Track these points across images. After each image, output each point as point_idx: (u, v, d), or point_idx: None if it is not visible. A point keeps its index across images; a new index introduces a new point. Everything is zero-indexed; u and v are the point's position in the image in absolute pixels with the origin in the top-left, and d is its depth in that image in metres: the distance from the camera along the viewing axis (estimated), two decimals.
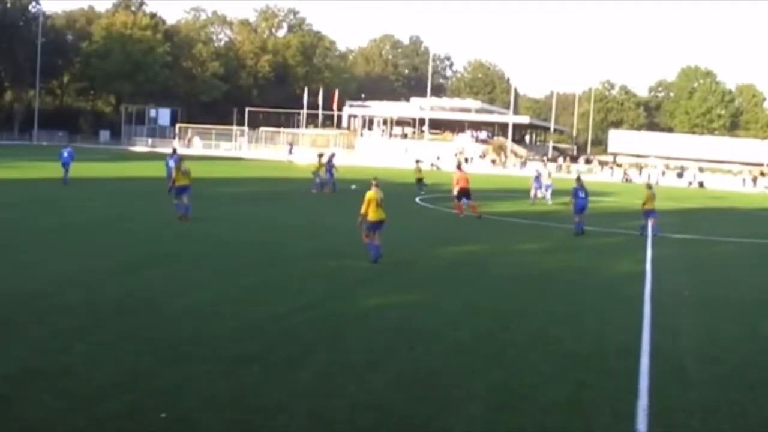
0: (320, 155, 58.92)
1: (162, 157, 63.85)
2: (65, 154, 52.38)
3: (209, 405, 12.48)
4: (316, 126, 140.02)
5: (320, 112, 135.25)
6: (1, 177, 56.08)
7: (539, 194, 57.22)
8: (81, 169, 58.87)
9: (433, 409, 12.92)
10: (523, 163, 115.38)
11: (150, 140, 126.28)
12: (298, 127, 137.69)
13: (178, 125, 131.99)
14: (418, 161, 65.48)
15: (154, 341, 15.81)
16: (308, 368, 14.55)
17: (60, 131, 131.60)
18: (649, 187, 40.18)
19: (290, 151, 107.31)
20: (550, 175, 60.74)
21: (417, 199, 52.38)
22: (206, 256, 26.45)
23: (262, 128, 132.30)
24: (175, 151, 51.86)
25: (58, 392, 12.70)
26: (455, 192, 44.73)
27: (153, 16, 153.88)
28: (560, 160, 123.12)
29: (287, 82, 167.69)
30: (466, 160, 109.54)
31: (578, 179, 39.46)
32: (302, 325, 17.72)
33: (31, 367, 13.86)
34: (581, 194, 37.79)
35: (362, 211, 26.28)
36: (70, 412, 11.92)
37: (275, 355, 15.28)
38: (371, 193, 26.34)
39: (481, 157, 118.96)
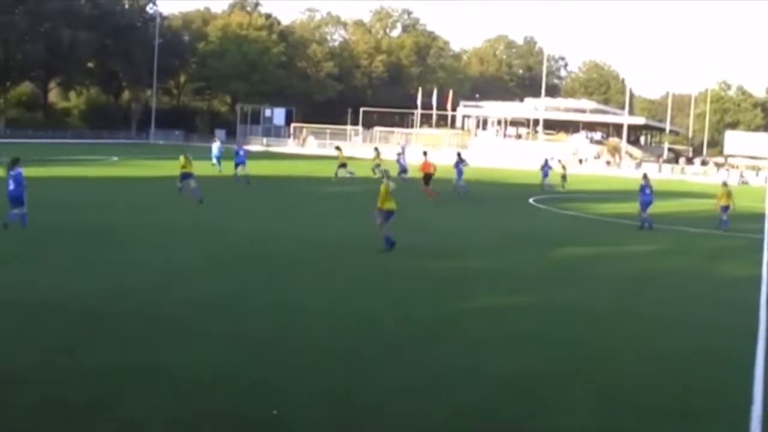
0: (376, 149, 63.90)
1: (277, 156, 64.48)
2: (241, 153, 53.87)
3: (315, 401, 12.50)
4: (430, 126, 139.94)
5: (434, 112, 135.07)
6: (125, 175, 56.84)
7: None
8: (200, 168, 59.38)
9: (536, 413, 12.76)
10: (638, 165, 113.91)
11: (265, 139, 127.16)
12: (412, 127, 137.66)
13: (293, 125, 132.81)
14: (338, 147, 68.41)
15: (247, 340, 15.77)
16: (406, 369, 14.40)
17: (176, 130, 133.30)
18: (724, 185, 42.11)
19: (402, 152, 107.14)
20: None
21: (531, 200, 51.86)
22: (304, 256, 26.35)
23: (377, 128, 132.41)
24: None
25: (158, 389, 12.76)
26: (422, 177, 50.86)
27: (268, 16, 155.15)
28: (681, 161, 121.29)
29: (401, 82, 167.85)
30: (581, 161, 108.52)
31: (645, 176, 39.78)
32: (401, 325, 17.57)
33: (133, 363, 13.92)
34: (647, 191, 38.43)
35: (379, 203, 27.50)
36: (171, 408, 11.97)
37: (373, 356, 15.14)
38: (384, 186, 27.54)
39: (595, 158, 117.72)
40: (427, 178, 51.26)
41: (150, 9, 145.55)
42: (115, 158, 76.62)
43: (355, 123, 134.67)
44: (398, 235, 28.58)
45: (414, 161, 64.05)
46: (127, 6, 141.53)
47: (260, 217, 36.73)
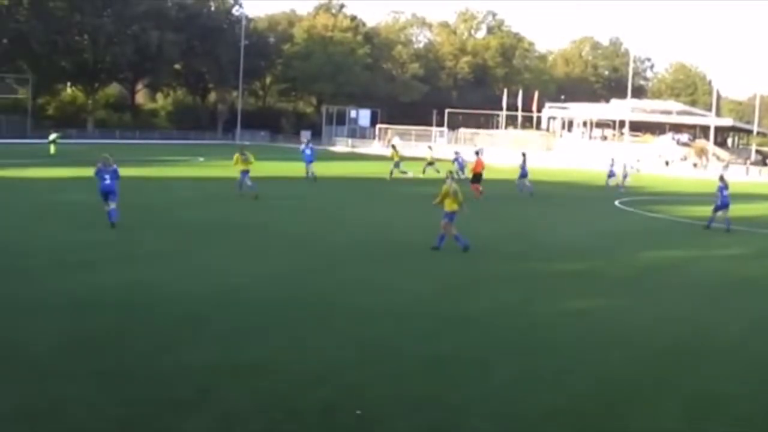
0: (393, 146, 65.20)
1: (362, 157, 64.72)
2: (308, 152, 55.26)
3: (402, 404, 12.62)
4: (515, 127, 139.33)
5: (519, 113, 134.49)
6: (211, 176, 57.27)
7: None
8: (284, 169, 59.76)
9: (626, 417, 12.77)
10: (726, 166, 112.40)
11: (350, 141, 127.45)
12: (497, 128, 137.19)
13: (378, 126, 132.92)
14: (393, 146, 68.53)
15: (349, 338, 15.87)
16: (502, 371, 14.45)
17: (262, 131, 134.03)
18: None
19: (479, 153, 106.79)
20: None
21: (616, 203, 51.34)
22: (399, 256, 26.32)
23: (462, 129, 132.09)
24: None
25: (257, 385, 13.00)
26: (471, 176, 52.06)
27: (353, 18, 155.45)
28: None
29: (486, 83, 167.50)
30: (667, 163, 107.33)
31: (721, 178, 39.34)
32: (496, 327, 17.57)
33: (232, 361, 14.16)
34: (725, 192, 38.09)
35: (436, 201, 27.96)
36: (268, 405, 12.20)
37: (468, 356, 15.15)
38: (446, 187, 27.73)
39: (682, 159, 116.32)
40: (477, 176, 52.03)
41: (236, 11, 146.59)
42: (201, 159, 77.27)
43: (440, 124, 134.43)
44: (485, 237, 28.46)
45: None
46: (213, 8, 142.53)
47: (350, 216, 36.78)
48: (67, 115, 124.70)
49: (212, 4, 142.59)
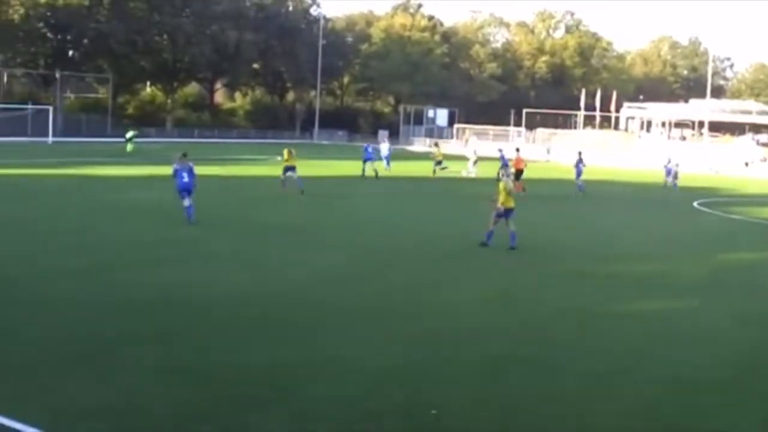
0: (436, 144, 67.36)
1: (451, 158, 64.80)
2: (369, 150, 57.13)
3: (478, 404, 12.64)
4: (593, 128, 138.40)
5: (597, 113, 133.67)
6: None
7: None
8: (359, 168, 59.94)
9: (700, 420, 12.67)
10: None
11: (428, 140, 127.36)
12: (575, 128, 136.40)
13: (455, 126, 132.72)
14: (436, 144, 69.93)
15: (424, 337, 15.89)
16: (572, 372, 14.43)
17: (340, 131, 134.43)
18: None
19: (518, 150, 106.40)
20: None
21: (695, 203, 50.81)
22: (472, 256, 26.25)
23: (539, 129, 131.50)
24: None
25: (333, 384, 13.07)
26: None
27: (431, 18, 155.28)
28: None
29: (564, 83, 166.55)
30: (746, 164, 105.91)
31: None
32: (567, 328, 17.57)
33: (307, 359, 14.23)
34: None
35: (500, 201, 27.74)
36: (345, 405, 12.26)
37: (541, 357, 15.15)
38: (502, 184, 28.26)
39: (762, 160, 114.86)
40: (518, 173, 52.91)
41: (314, 11, 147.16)
42: (279, 158, 77.36)
43: (517, 124, 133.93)
44: (561, 236, 28.30)
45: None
46: (291, 8, 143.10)
47: (417, 215, 36.81)
48: (146, 114, 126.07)
49: (290, 4, 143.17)
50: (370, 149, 57.83)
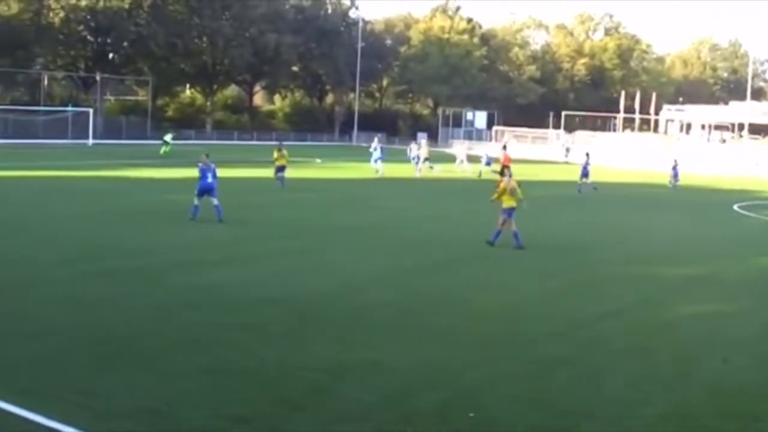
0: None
1: (478, 159, 64.78)
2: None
3: (516, 406, 12.60)
4: (632, 130, 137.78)
5: (637, 116, 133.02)
6: (328, 177, 57.68)
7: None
8: (394, 170, 59.97)
9: (743, 423, 12.58)
10: None
11: (467, 143, 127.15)
12: (614, 131, 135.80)
13: (494, 128, 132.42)
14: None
15: (463, 340, 15.86)
16: (617, 375, 14.39)
17: (379, 133, 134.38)
18: None
19: (566, 154, 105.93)
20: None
21: (735, 207, 50.47)
22: (515, 257, 26.25)
23: (578, 132, 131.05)
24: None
25: (369, 386, 13.02)
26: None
27: (470, 20, 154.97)
28: None
29: (603, 85, 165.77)
30: None
31: None
32: (613, 330, 17.51)
33: (344, 361, 14.23)
34: None
35: (494, 197, 28.42)
36: (381, 407, 12.22)
37: (583, 360, 15.13)
38: (504, 183, 28.41)
39: None
40: (504, 169, 52.69)
41: (352, 13, 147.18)
42: (319, 160, 77.77)
43: (556, 127, 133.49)
44: (603, 239, 28.25)
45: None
46: (330, 11, 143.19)
47: (463, 215, 36.76)
48: (185, 116, 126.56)
49: (329, 6, 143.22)
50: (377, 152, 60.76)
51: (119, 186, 43.37)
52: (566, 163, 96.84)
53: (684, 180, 65.16)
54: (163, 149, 77.98)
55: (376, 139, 66.96)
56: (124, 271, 21.50)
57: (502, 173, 52.34)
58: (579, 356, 15.36)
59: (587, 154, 58.35)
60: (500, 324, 17.40)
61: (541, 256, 26.61)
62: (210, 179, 31.46)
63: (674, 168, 65.95)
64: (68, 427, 10.92)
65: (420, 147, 67.55)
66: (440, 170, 64.94)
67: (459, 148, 79.58)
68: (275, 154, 47.41)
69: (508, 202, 27.91)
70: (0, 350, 14.25)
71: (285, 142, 59.07)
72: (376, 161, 63.96)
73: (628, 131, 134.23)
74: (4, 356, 13.92)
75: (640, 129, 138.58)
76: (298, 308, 18.03)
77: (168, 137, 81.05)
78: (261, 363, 14.06)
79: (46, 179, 48.68)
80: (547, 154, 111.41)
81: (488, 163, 65.34)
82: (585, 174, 55.88)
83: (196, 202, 31.53)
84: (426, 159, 64.59)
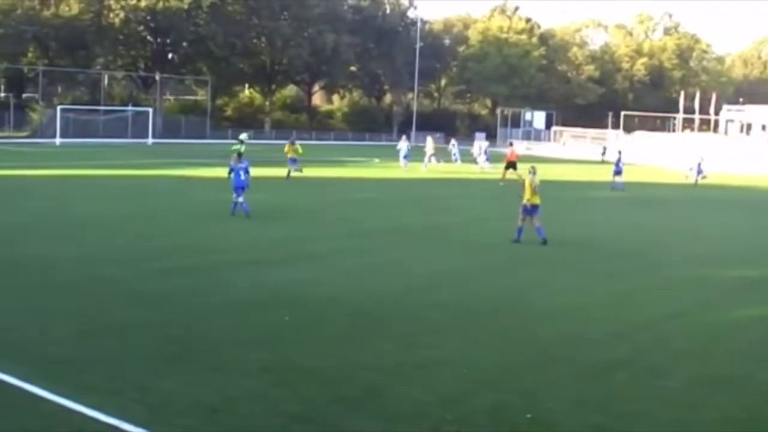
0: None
1: (537, 159, 64.67)
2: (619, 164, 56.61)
3: (574, 408, 12.55)
4: (691, 130, 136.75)
5: (696, 116, 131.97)
6: (386, 177, 57.71)
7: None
8: (453, 170, 59.90)
9: None
10: None
11: (526, 143, 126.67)
12: (673, 131, 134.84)
13: (553, 128, 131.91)
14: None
15: (522, 341, 15.79)
16: (676, 377, 14.32)
17: (437, 133, 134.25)
18: None
19: (603, 153, 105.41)
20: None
21: None
22: (574, 259, 26.13)
23: (637, 132, 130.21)
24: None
25: (427, 386, 13.03)
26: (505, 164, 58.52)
27: (528, 20, 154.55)
28: None
29: (663, 85, 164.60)
30: None
31: None
32: (672, 332, 17.37)
33: (402, 361, 14.22)
34: None
35: (525, 196, 28.22)
36: (438, 406, 12.24)
37: (643, 362, 15.08)
38: (528, 181, 28.48)
39: None
40: (510, 164, 58.20)
41: (411, 14, 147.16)
42: (377, 160, 77.79)
43: (615, 127, 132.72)
44: (661, 240, 28.07)
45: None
46: (388, 11, 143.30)
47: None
48: (244, 116, 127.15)
49: (387, 6, 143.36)
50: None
51: (180, 185, 43.59)
52: (602, 162, 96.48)
53: (742, 181, 64.57)
54: (234, 147, 78.42)
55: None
56: (186, 270, 21.66)
57: (509, 167, 55.91)
58: (639, 358, 15.26)
59: (619, 152, 58.88)
60: (560, 325, 17.32)
61: (601, 259, 26.47)
62: (242, 176, 32.30)
63: (699, 165, 65.96)
64: (125, 423, 11.03)
65: (427, 143, 70.43)
66: (442, 164, 67.57)
67: (477, 144, 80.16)
68: (286, 148, 50.89)
69: (533, 200, 28.24)
70: (63, 348, 14.37)
71: (343, 142, 59.70)
72: (405, 157, 66.31)
73: (687, 131, 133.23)
74: (68, 354, 14.05)
75: (700, 129, 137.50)
76: (360, 307, 18.08)
77: (243, 136, 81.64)
78: (321, 361, 14.09)
79: (106, 178, 49.11)
80: (605, 154, 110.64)
81: (488, 159, 68.33)
82: (618, 172, 56.05)
83: (235, 199, 32.28)
84: (432, 155, 67.40)
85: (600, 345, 15.96)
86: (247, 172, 32.59)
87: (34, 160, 61.08)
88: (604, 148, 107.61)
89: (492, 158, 68.30)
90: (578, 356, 15.13)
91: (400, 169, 64.01)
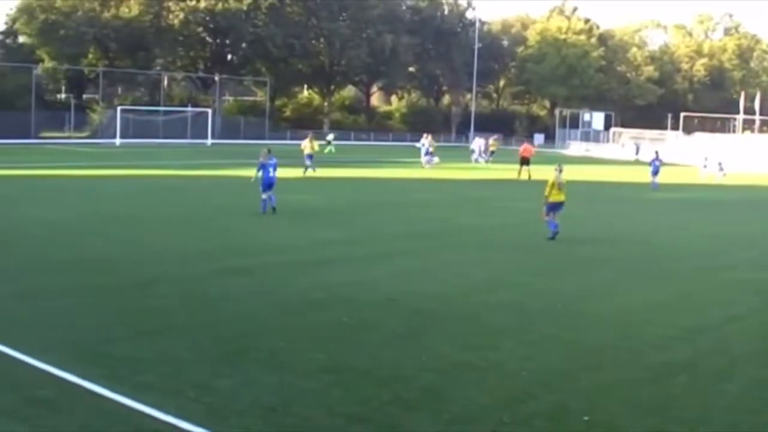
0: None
1: (595, 161, 64.41)
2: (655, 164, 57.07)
3: (632, 411, 12.50)
4: (752, 132, 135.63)
5: (757, 117, 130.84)
6: (448, 177, 57.69)
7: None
8: (505, 171, 59.77)
9: None
10: None
11: (584, 144, 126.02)
12: (734, 132, 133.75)
13: (612, 129, 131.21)
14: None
15: (581, 343, 15.73)
16: (736, 381, 14.21)
17: (495, 134, 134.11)
18: None
19: (637, 152, 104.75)
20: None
21: None
22: (636, 261, 25.97)
23: (697, 133, 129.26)
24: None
25: (485, 387, 13.04)
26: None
27: (587, 21, 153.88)
28: None
29: (723, 86, 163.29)
30: None
31: None
32: (732, 336, 17.24)
33: (460, 362, 14.23)
34: None
35: (545, 193, 29.09)
36: (495, 408, 12.25)
37: (702, 365, 14.95)
38: (552, 178, 29.20)
39: None
40: (524, 160, 60.36)
41: (469, 14, 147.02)
42: (436, 159, 77.81)
43: (675, 128, 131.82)
44: (723, 244, 27.88)
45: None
46: (447, 12, 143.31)
47: (586, 218, 36.48)
48: (303, 116, 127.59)
49: (445, 7, 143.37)
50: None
51: (239, 185, 43.69)
52: (636, 161, 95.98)
53: None
54: (327, 149, 79.73)
55: (425, 136, 69.17)
56: (245, 270, 21.78)
57: (523, 163, 59.18)
58: (698, 361, 15.13)
59: (656, 152, 59.51)
60: (619, 327, 17.23)
61: (656, 261, 26.26)
62: (271, 173, 33.29)
63: (720, 164, 67.47)
64: (183, 422, 11.11)
65: (426, 140, 72.26)
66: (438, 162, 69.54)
67: (477, 142, 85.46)
68: (305, 143, 54.14)
69: (556, 197, 29.00)
70: (123, 347, 14.49)
71: (402, 143, 60.51)
72: (426, 154, 69.03)
73: (747, 133, 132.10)
74: (127, 353, 14.16)
75: (761, 131, 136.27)
76: (417, 308, 18.09)
77: (330, 137, 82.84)
78: (378, 362, 14.12)
79: (166, 178, 49.52)
80: (663, 156, 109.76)
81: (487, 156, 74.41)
82: (655, 172, 56.52)
83: (263, 196, 33.32)
84: (429, 152, 69.91)
85: (658, 348, 15.84)
86: (275, 169, 33.56)
87: (94, 161, 61.71)
88: (637, 147, 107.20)
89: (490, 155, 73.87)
90: (636, 359, 15.04)
91: (459, 170, 64.08)
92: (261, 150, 35.01)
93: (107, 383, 12.44)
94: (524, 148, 61.68)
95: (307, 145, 52.99)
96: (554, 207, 29.16)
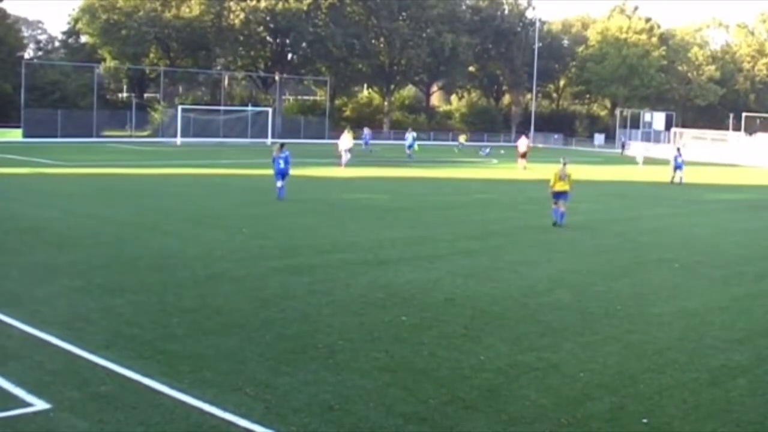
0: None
1: (656, 161, 63.91)
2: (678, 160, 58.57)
3: (691, 414, 12.45)
4: None
5: None
6: (507, 177, 57.62)
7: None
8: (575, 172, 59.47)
9: None
10: None
11: (645, 144, 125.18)
12: None
13: (672, 129, 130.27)
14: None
15: (640, 345, 15.67)
16: None
17: (555, 134, 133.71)
18: None
19: (623, 148, 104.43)
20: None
21: None
22: (699, 263, 25.72)
23: (759, 134, 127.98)
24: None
25: (543, 388, 13.01)
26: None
27: (648, 20, 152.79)
28: None
29: None
30: None
31: None
32: None
33: (519, 363, 14.23)
34: None
35: (550, 183, 32.58)
36: (554, 409, 12.23)
37: (763, 369, 14.86)
38: (556, 170, 32.53)
39: None
40: (524, 154, 67.56)
41: (529, 14, 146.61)
42: (495, 161, 77.73)
43: (736, 128, 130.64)
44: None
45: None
46: (507, 11, 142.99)
47: (642, 219, 36.25)
48: (363, 116, 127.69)
49: (505, 7, 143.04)
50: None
51: (300, 185, 43.82)
52: (622, 155, 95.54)
53: None
54: (414, 147, 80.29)
55: (678, 149, 68.14)
56: (305, 269, 21.88)
57: (523, 156, 65.74)
58: (758, 365, 15.02)
59: (678, 149, 61.26)
60: (678, 330, 17.12)
61: (723, 264, 26.02)
62: (282, 164, 37.65)
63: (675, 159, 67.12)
64: (242, 419, 11.22)
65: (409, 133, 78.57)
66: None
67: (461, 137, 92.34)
68: (344, 137, 59.29)
69: (560, 187, 32.24)
70: (183, 344, 14.61)
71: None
72: (409, 148, 74.52)
73: None
74: (187, 350, 14.29)
75: None
76: (477, 308, 18.10)
77: (414, 134, 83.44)
78: (437, 362, 14.15)
79: (226, 177, 49.93)
80: (725, 156, 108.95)
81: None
82: (678, 167, 58.20)
83: (278, 184, 37.51)
84: (410, 146, 75.05)
85: (719, 351, 15.72)
86: (287, 161, 37.80)
87: (155, 159, 62.22)
88: (623, 144, 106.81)
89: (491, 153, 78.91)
90: (696, 361, 14.94)
91: (519, 170, 64.03)
92: (274, 145, 40.14)
93: (167, 380, 12.59)
94: (520, 143, 68.98)
95: (348, 140, 55.66)
96: (559, 196, 32.25)
